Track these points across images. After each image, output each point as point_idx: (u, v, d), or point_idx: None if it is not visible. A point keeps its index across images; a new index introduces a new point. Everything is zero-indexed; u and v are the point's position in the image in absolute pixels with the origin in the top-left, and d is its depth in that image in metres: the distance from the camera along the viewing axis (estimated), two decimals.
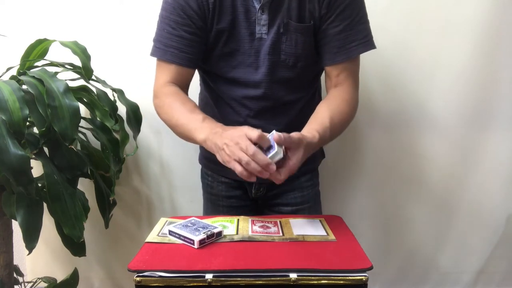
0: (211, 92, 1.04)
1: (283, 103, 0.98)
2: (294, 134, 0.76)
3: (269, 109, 0.98)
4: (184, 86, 0.98)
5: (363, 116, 1.41)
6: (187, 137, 0.90)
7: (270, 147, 0.74)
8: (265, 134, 0.74)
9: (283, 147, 0.74)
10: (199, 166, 1.18)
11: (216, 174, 1.11)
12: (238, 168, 0.74)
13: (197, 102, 1.11)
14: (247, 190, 1.09)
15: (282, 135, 0.73)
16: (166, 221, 0.88)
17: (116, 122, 1.17)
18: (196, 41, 0.92)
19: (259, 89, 0.95)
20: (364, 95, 1.40)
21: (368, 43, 0.94)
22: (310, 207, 1.09)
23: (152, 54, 0.96)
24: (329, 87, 0.97)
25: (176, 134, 0.93)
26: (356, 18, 0.91)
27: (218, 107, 1.03)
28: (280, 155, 0.73)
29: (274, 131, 0.74)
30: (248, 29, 0.92)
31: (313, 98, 1.05)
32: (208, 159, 1.13)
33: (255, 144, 0.73)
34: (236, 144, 0.74)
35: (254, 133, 0.73)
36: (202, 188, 1.17)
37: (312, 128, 0.84)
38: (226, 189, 1.10)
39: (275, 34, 0.92)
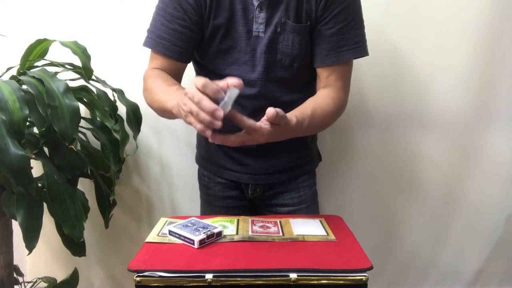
0: None
1: (279, 103, 0.98)
2: (269, 113, 0.72)
3: (265, 109, 0.98)
4: (175, 78, 0.96)
5: (362, 116, 1.41)
6: (162, 110, 0.87)
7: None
8: (213, 82, 0.69)
9: (234, 99, 0.69)
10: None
11: (213, 175, 1.11)
12: (196, 124, 0.69)
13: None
14: (243, 191, 1.09)
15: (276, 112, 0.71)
16: (166, 221, 0.88)
17: (116, 122, 1.17)
18: (190, 35, 0.92)
19: (254, 88, 0.95)
20: (364, 96, 1.40)
21: (359, 50, 0.93)
22: (307, 207, 1.09)
23: (144, 44, 0.96)
24: (319, 88, 0.97)
25: (156, 112, 0.93)
26: (351, 23, 0.91)
27: None
28: (229, 108, 0.68)
29: (232, 87, 0.69)
30: (245, 26, 0.92)
31: None
32: (204, 159, 1.13)
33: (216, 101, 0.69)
34: (185, 95, 0.70)
35: (200, 80, 0.68)
36: (199, 188, 1.17)
37: (291, 113, 0.82)
38: (223, 190, 1.10)
39: (272, 33, 0.92)
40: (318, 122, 0.90)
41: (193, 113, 0.68)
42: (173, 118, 0.91)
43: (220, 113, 0.66)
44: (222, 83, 0.69)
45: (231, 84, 0.69)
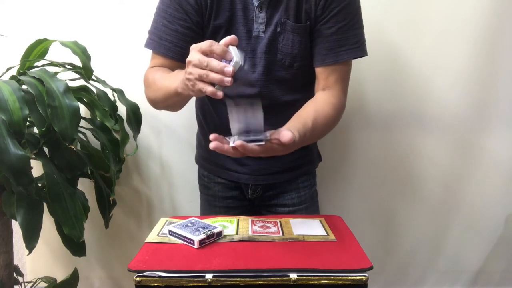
0: None
1: (279, 103, 0.98)
2: (285, 139, 0.72)
3: (265, 109, 0.98)
4: None
5: (362, 116, 1.41)
6: (168, 96, 0.86)
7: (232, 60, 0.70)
8: (216, 42, 0.70)
9: (243, 55, 0.70)
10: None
11: (212, 175, 1.11)
12: (206, 88, 0.69)
13: (193, 101, 1.11)
14: (243, 191, 1.09)
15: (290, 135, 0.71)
16: (166, 221, 0.88)
17: (116, 122, 1.17)
18: (191, 36, 0.92)
19: (254, 88, 0.95)
20: (363, 96, 1.40)
21: (358, 49, 0.93)
22: (307, 208, 1.09)
23: (146, 45, 0.95)
24: (317, 89, 0.97)
25: (160, 103, 0.91)
26: (350, 23, 0.91)
27: (214, 105, 1.03)
28: (240, 63, 0.69)
29: (231, 47, 0.70)
30: (246, 26, 0.92)
31: None
32: (204, 159, 1.13)
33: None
34: (189, 63, 0.71)
35: (205, 42, 0.69)
36: (199, 188, 1.17)
37: (294, 127, 0.81)
38: (223, 190, 1.10)
39: (272, 33, 0.92)
40: (319, 132, 0.90)
41: (203, 76, 0.69)
42: (178, 105, 0.90)
43: (229, 69, 0.67)
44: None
45: (227, 44, 0.69)
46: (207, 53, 0.69)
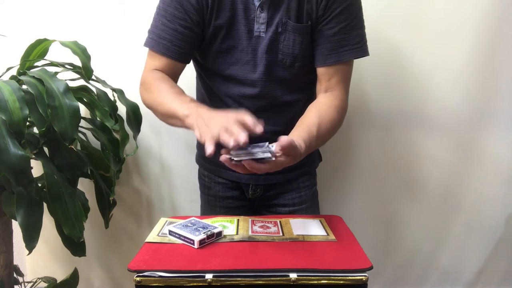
0: (207, 89, 1.03)
1: (280, 103, 0.98)
2: (284, 143, 0.72)
3: (266, 109, 0.98)
4: (173, 79, 0.95)
5: (362, 116, 1.41)
6: (169, 115, 0.86)
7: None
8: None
9: (259, 157, 0.71)
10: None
11: (213, 175, 1.11)
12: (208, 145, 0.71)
13: (194, 97, 1.11)
14: (244, 191, 1.09)
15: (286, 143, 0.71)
16: (166, 221, 0.88)
17: (116, 122, 1.17)
18: (190, 36, 0.92)
19: (255, 88, 0.95)
20: (363, 95, 1.40)
21: (360, 50, 0.93)
22: (308, 208, 1.09)
23: (145, 44, 0.95)
24: (320, 91, 0.96)
25: (158, 113, 0.91)
26: (352, 23, 0.91)
27: (214, 104, 1.03)
28: (246, 158, 0.71)
29: (269, 145, 0.71)
30: (247, 26, 0.92)
31: (311, 101, 1.05)
32: (204, 159, 1.12)
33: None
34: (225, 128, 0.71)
35: (249, 119, 0.70)
36: (200, 188, 1.17)
37: (299, 137, 0.81)
38: (223, 190, 1.10)
39: (273, 33, 0.92)
40: (324, 137, 0.90)
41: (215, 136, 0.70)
42: (172, 124, 0.90)
43: (242, 139, 0.67)
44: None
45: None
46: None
